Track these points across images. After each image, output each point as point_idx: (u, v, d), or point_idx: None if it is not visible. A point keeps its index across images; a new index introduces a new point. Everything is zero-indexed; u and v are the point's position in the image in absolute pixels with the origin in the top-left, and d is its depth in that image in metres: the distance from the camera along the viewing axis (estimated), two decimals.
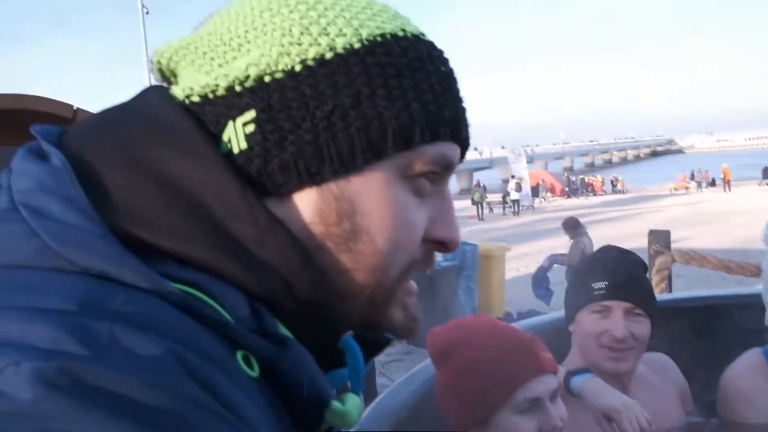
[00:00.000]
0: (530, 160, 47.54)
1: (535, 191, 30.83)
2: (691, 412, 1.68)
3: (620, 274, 1.58)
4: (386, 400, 1.38)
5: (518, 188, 24.62)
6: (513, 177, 26.23)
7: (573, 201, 30.67)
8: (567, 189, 34.32)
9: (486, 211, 24.39)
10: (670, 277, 2.88)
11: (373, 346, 0.58)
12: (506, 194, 25.21)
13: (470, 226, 20.09)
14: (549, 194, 33.89)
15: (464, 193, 38.20)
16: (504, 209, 24.97)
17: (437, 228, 0.55)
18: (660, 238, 3.02)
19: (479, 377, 1.19)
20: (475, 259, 7.62)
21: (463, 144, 0.56)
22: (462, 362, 1.22)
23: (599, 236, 9.77)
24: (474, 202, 23.55)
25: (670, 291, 2.86)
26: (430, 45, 0.55)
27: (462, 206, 27.40)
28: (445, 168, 0.54)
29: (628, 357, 1.53)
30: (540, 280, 7.77)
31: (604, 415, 1.35)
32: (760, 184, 33.58)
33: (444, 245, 0.56)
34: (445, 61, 0.55)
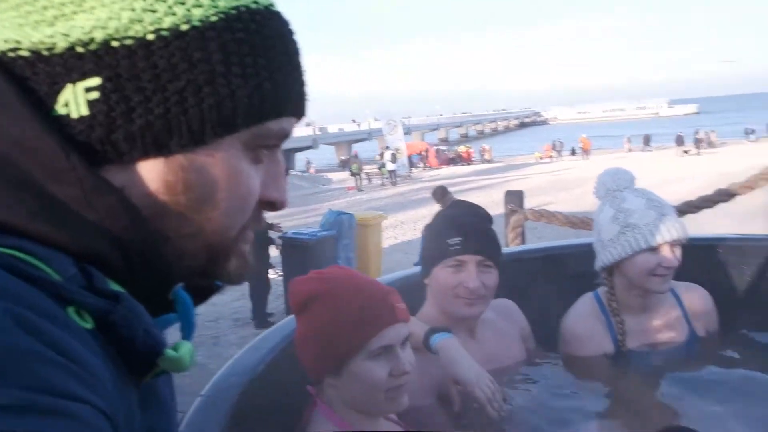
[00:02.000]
0: (407, 132, 48.45)
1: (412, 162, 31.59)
2: (532, 348, 1.85)
3: (472, 230, 1.68)
4: (244, 356, 1.40)
5: (393, 159, 25.05)
6: (387, 148, 26.60)
7: (448, 170, 31.71)
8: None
9: (365, 182, 24.65)
10: (523, 233, 3.11)
11: (203, 293, 0.60)
12: (382, 165, 25.59)
13: (350, 197, 20.26)
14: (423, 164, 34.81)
15: (343, 164, 38.35)
16: (382, 180, 25.37)
17: (269, 190, 0.57)
18: (514, 198, 3.25)
19: (337, 326, 1.23)
20: (352, 228, 7.74)
21: (302, 116, 0.58)
22: (321, 312, 1.26)
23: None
24: (352, 174, 23.72)
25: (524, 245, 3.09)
26: (281, 19, 0.55)
27: (342, 178, 27.54)
28: (283, 139, 0.57)
29: (479, 304, 1.65)
30: None
31: (453, 381, 1.47)
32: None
33: (273, 205, 0.59)
34: (293, 36, 0.56)
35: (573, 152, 38.84)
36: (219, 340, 6.11)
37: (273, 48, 0.53)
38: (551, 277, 2.12)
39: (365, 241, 7.98)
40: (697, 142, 32.04)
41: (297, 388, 1.33)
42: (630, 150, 36.41)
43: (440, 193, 8.53)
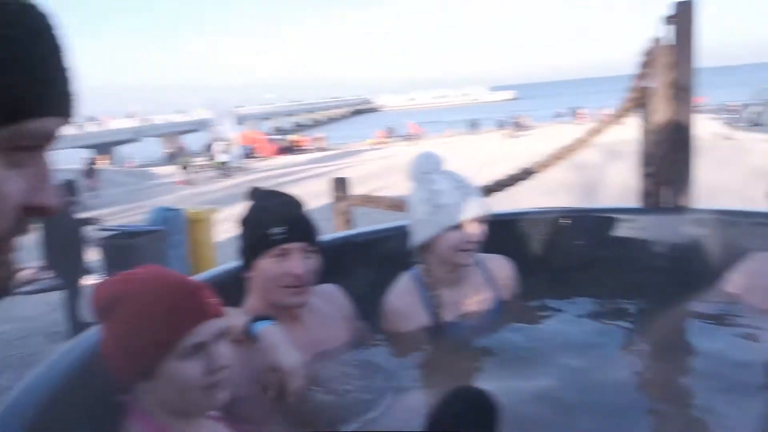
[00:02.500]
0: (240, 122, 47.26)
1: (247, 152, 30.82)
2: (358, 330, 1.91)
3: (294, 218, 1.68)
4: (45, 371, 1.29)
5: (226, 150, 24.34)
6: (218, 139, 25.75)
7: (283, 159, 31.43)
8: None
9: (196, 175, 23.69)
10: (351, 219, 3.19)
11: None
12: (211, 157, 24.74)
13: (180, 191, 19.36)
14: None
15: (171, 157, 36.48)
16: (215, 172, 24.54)
17: (36, 196, 0.54)
18: (340, 185, 3.32)
19: (144, 329, 1.18)
20: (182, 224, 7.40)
21: (69, 116, 0.55)
22: (125, 314, 1.19)
23: (308, 192, 10.24)
24: (182, 167, 22.71)
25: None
26: (39, 11, 0.52)
27: (170, 171, 26.21)
28: (47, 140, 0.53)
29: (306, 291, 1.66)
30: None
31: (270, 368, 1.46)
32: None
33: (44, 211, 0.55)
34: (55, 31, 0.52)
35: (405, 138, 40.43)
36: (30, 360, 5.44)
37: (28, 42, 0.49)
38: (373, 259, 2.19)
39: (196, 236, 7.66)
40: (515, 126, 34.87)
41: (108, 398, 1.26)
42: (455, 134, 38.76)
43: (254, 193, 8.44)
